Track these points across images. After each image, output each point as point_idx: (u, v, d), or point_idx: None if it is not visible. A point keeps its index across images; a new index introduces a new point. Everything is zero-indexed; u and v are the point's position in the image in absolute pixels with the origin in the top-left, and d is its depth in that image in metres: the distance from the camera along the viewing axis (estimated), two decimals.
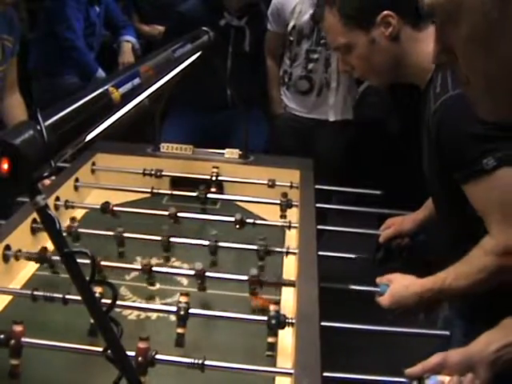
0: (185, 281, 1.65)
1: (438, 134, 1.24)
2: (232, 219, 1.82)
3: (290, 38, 2.75)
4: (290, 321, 1.27)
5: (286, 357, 1.28)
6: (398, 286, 1.43)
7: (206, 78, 2.32)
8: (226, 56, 2.69)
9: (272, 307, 1.30)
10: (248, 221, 1.80)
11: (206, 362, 1.12)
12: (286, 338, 1.32)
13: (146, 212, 1.91)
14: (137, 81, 1.18)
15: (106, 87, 1.05)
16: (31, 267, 1.63)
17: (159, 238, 1.69)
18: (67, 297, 1.32)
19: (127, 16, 3.43)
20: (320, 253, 1.63)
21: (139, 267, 1.54)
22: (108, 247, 1.72)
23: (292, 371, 1.12)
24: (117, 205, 1.97)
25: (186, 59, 1.63)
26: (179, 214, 1.88)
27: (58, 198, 1.88)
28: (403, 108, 2.84)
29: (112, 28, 3.32)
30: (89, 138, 0.95)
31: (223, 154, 2.28)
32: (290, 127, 2.84)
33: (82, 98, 0.97)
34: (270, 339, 1.29)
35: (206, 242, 1.67)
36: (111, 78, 1.11)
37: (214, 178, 2.14)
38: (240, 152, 2.26)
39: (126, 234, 1.70)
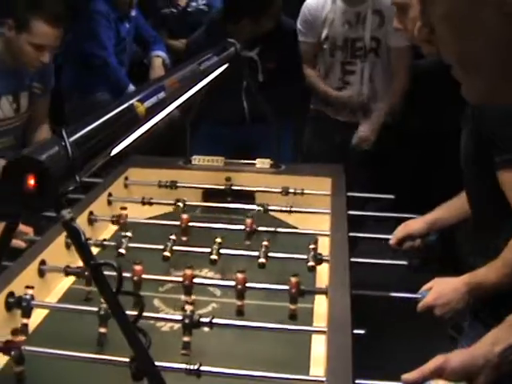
0: (218, 291, 1.66)
1: (482, 117, 1.24)
2: (263, 229, 1.83)
3: (324, 46, 2.75)
4: (322, 329, 1.27)
5: (319, 365, 1.27)
6: (439, 284, 1.43)
7: (226, 93, 2.34)
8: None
9: (187, 307, 1.32)
10: (279, 230, 1.81)
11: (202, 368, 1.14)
12: (320, 346, 1.31)
13: (177, 224, 1.93)
14: (162, 95, 1.20)
15: (130, 102, 1.07)
16: (67, 281, 1.66)
17: (199, 249, 1.71)
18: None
19: (156, 32, 3.48)
20: (353, 259, 1.62)
21: (177, 279, 1.55)
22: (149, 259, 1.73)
23: (324, 379, 1.11)
24: (149, 218, 2.01)
25: (213, 71, 1.65)
26: (210, 225, 1.89)
27: (91, 213, 1.91)
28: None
29: (142, 44, 3.37)
30: (114, 152, 0.97)
31: (254, 164, 2.28)
32: (321, 130, 2.84)
33: (107, 114, 0.99)
34: (186, 338, 1.30)
35: (243, 252, 1.69)
36: (136, 93, 1.13)
37: (232, 187, 2.16)
38: (271, 162, 2.26)
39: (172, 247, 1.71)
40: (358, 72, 2.73)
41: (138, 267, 1.52)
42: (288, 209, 1.99)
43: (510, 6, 0.56)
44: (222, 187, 2.18)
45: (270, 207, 2.06)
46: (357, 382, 1.13)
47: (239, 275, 1.48)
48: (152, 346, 1.32)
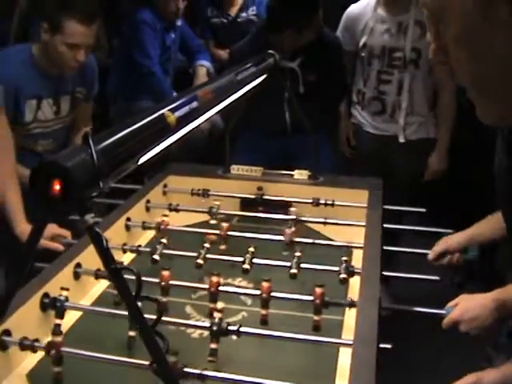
0: (249, 300, 1.67)
1: None
2: (299, 240, 1.83)
3: (362, 54, 2.75)
4: (348, 342, 1.26)
5: (345, 378, 1.27)
6: (466, 300, 1.41)
7: (268, 103, 2.36)
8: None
9: (216, 314, 1.33)
10: (315, 241, 1.82)
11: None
12: (347, 358, 1.31)
13: (214, 232, 1.95)
14: (194, 104, 1.22)
15: (162, 111, 1.09)
16: (102, 284, 1.69)
17: (232, 258, 1.73)
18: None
19: (203, 41, 3.52)
20: (386, 273, 1.61)
21: (203, 286, 1.57)
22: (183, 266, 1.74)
23: None
24: (186, 225, 2.03)
25: (250, 82, 1.66)
26: (248, 235, 1.91)
27: (129, 219, 1.95)
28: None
29: (187, 53, 3.42)
30: (142, 160, 0.99)
31: (292, 175, 2.29)
32: (363, 147, 2.83)
33: (137, 122, 1.01)
34: (213, 345, 1.31)
35: (276, 263, 1.69)
36: (168, 103, 1.15)
37: (262, 197, 2.17)
38: (309, 173, 2.27)
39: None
40: (395, 82, 2.71)
41: (165, 273, 1.55)
42: (323, 220, 1.99)
43: None
44: (258, 196, 2.20)
45: (306, 218, 2.07)
46: None
47: (264, 284, 1.49)
48: (181, 351, 1.35)
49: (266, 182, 2.26)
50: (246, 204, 2.23)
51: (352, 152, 2.99)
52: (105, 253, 0.80)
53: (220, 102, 1.39)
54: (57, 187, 0.79)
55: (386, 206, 2.05)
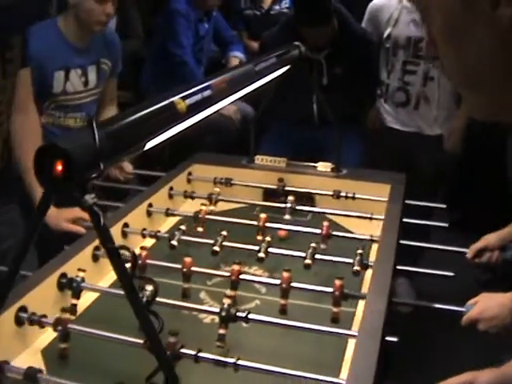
0: (263, 289, 1.69)
1: None
2: (318, 231, 1.84)
3: (386, 45, 2.73)
4: (353, 333, 1.27)
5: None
6: (485, 298, 1.41)
7: (295, 94, 2.36)
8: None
9: (225, 300, 1.33)
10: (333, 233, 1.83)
11: (240, 362, 1.17)
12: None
13: (236, 221, 1.97)
14: (207, 93, 1.24)
15: (172, 99, 1.11)
16: None
17: (248, 246, 1.74)
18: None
19: (237, 32, 3.54)
20: (399, 267, 1.62)
21: (225, 273, 1.60)
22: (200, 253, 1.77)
23: (344, 382, 1.12)
24: (210, 213, 2.06)
25: (271, 73, 1.68)
26: (268, 225, 1.92)
27: (150, 205, 1.99)
28: None
29: (221, 44, 3.45)
30: (149, 146, 1.02)
31: (316, 167, 2.30)
32: (387, 142, 2.81)
33: (146, 108, 1.04)
34: (221, 331, 1.32)
35: (294, 253, 1.71)
36: (180, 90, 1.17)
37: (303, 190, 2.18)
38: (333, 165, 2.27)
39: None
40: (420, 73, 2.68)
41: (188, 259, 1.57)
42: (343, 213, 2.00)
43: (500, 21, 0.55)
44: (281, 187, 2.21)
45: (327, 210, 2.08)
46: None
47: (285, 274, 1.50)
48: (192, 335, 1.38)
49: (289, 173, 2.28)
50: (268, 194, 2.25)
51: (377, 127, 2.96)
52: (102, 232, 0.82)
53: (235, 92, 1.41)
54: (59, 168, 0.82)
55: (408, 201, 2.05)
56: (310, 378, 1.17)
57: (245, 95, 1.51)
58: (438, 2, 0.60)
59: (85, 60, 2.32)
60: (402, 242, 1.76)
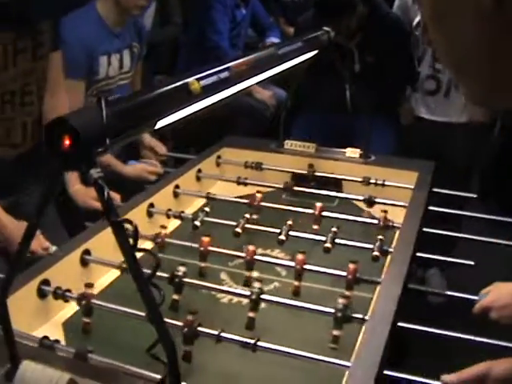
0: (284, 272, 1.70)
1: None
2: (345, 217, 1.85)
3: (416, 32, 2.69)
4: (362, 316, 1.28)
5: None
6: (499, 287, 1.39)
7: (329, 80, 2.35)
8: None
9: (340, 300, 1.31)
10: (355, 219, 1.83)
11: (259, 343, 1.19)
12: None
13: (264, 205, 1.98)
14: (224, 74, 1.25)
15: (187, 79, 1.13)
16: (145, 246, 1.77)
17: (270, 229, 1.76)
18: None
19: (274, 18, 3.54)
20: (419, 254, 1.61)
21: (240, 254, 1.62)
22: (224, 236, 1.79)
23: (349, 364, 1.13)
24: (238, 197, 2.08)
25: (296, 57, 1.68)
26: (295, 209, 1.94)
27: (177, 186, 2.02)
28: None
29: (258, 30, 3.45)
30: (159, 125, 1.04)
31: (344, 152, 2.30)
32: (417, 130, 2.79)
33: (160, 88, 1.06)
34: (335, 332, 1.30)
35: (314, 237, 1.72)
36: (197, 71, 1.19)
37: (331, 176, 2.18)
38: (361, 151, 2.26)
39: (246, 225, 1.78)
40: None
41: (205, 239, 1.60)
42: (367, 198, 1.99)
43: (483, 3, 0.55)
44: (309, 172, 2.21)
45: (353, 196, 2.08)
46: (385, 372, 1.14)
47: (299, 256, 1.52)
48: (209, 314, 1.41)
49: (318, 159, 2.28)
50: (297, 179, 2.26)
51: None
52: (106, 205, 0.85)
53: (256, 75, 1.42)
54: (66, 142, 0.85)
55: (436, 189, 2.03)
56: (314, 359, 1.19)
57: (266, 78, 1.52)
58: None
59: (121, 44, 2.36)
60: (425, 230, 1.75)
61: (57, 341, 1.24)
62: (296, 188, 2.15)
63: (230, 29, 3.23)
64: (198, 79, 1.15)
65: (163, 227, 1.70)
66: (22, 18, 1.73)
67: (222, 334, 1.23)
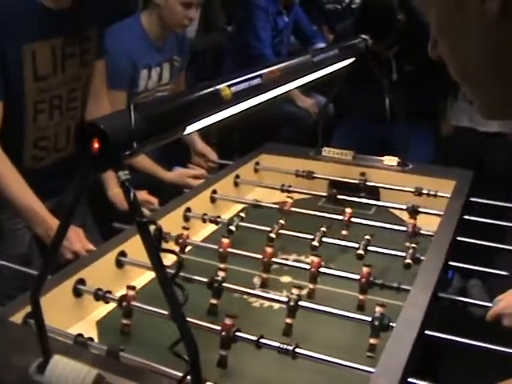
0: (318, 278, 1.71)
1: None
2: (380, 224, 1.85)
3: None
4: (392, 324, 1.28)
5: None
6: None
7: (369, 89, 2.35)
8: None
9: (378, 309, 1.32)
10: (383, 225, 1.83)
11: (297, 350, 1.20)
12: None
13: (301, 211, 2.00)
14: (256, 81, 1.27)
15: (218, 86, 1.16)
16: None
17: (303, 235, 1.77)
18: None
19: (317, 26, 3.56)
20: (451, 263, 1.60)
21: (257, 256, 1.63)
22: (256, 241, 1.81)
23: (373, 370, 1.13)
24: (276, 203, 2.10)
25: (331, 64, 1.69)
26: (329, 215, 1.94)
27: (215, 191, 2.05)
28: None
29: (302, 37, 3.48)
30: (188, 130, 1.07)
31: (382, 160, 2.29)
32: (457, 139, 2.76)
33: (189, 94, 1.09)
34: (372, 340, 1.30)
35: (347, 243, 1.73)
36: (229, 78, 1.21)
37: (366, 183, 2.18)
38: (399, 160, 2.26)
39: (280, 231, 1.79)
40: None
41: (225, 240, 1.62)
42: (410, 207, 1.98)
43: (488, 14, 0.55)
44: (347, 180, 2.21)
45: (390, 204, 2.07)
46: (409, 380, 1.14)
47: (314, 259, 1.53)
48: (240, 317, 1.42)
49: (355, 166, 2.28)
50: (334, 186, 2.26)
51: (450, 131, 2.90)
52: (132, 206, 0.88)
53: (289, 82, 1.44)
54: (95, 145, 0.88)
55: (473, 199, 2.01)
56: (340, 364, 1.19)
57: (300, 86, 1.53)
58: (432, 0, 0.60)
59: (162, 57, 2.42)
60: (459, 239, 1.73)
61: (90, 338, 1.28)
62: (333, 195, 2.15)
63: (272, 36, 3.27)
64: (230, 85, 1.18)
65: (185, 228, 1.73)
66: (71, 24, 1.79)
67: (261, 340, 1.24)
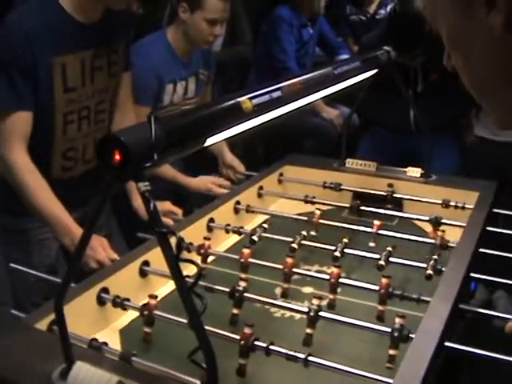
0: (339, 288, 1.72)
1: None
2: (402, 236, 1.85)
3: None
4: (411, 335, 1.28)
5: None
6: None
7: (395, 100, 2.35)
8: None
9: (397, 320, 1.32)
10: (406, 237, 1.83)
11: (310, 358, 1.20)
12: None
13: (325, 223, 2.01)
14: (277, 94, 1.29)
15: (239, 98, 1.18)
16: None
17: (325, 246, 1.78)
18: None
19: (342, 38, 3.58)
20: (473, 275, 1.60)
21: (278, 266, 1.64)
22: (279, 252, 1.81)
23: (392, 381, 1.13)
24: (299, 214, 2.11)
25: (353, 76, 1.70)
26: (355, 227, 1.95)
27: (238, 202, 2.07)
28: None
29: (327, 49, 3.50)
30: (209, 142, 1.09)
31: (405, 172, 2.29)
32: (480, 151, 2.74)
33: (210, 107, 1.12)
34: (391, 351, 1.31)
35: (368, 254, 1.73)
36: (250, 90, 1.23)
37: (393, 195, 2.18)
38: (422, 171, 2.25)
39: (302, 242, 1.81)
40: None
41: (246, 251, 1.64)
42: (433, 218, 1.98)
43: (494, 28, 0.56)
44: (371, 191, 2.22)
45: (413, 215, 2.07)
46: None
47: (334, 269, 1.53)
48: (261, 327, 1.44)
49: (378, 178, 2.28)
50: (357, 198, 2.27)
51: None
52: (152, 216, 0.90)
53: (310, 94, 1.45)
54: (117, 157, 0.91)
55: (497, 210, 2.00)
56: (357, 375, 1.20)
57: (322, 98, 1.55)
58: (442, 12, 0.61)
59: (187, 72, 2.45)
60: (482, 250, 1.72)
61: (105, 343, 1.30)
62: (356, 206, 2.16)
63: (296, 48, 3.29)
64: (251, 98, 1.20)
65: (207, 239, 1.75)
66: (100, 37, 1.84)
67: (271, 347, 1.25)
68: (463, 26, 0.59)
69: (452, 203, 2.06)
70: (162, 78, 2.34)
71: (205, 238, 1.76)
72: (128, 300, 1.47)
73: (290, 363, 1.25)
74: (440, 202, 2.07)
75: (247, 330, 1.28)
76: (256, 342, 1.27)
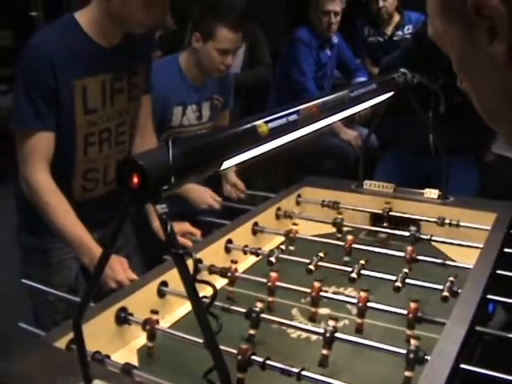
0: (354, 310, 1.72)
1: None
2: (419, 257, 1.85)
3: None
4: (426, 357, 1.28)
5: None
6: None
7: (415, 122, 2.36)
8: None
9: (413, 342, 1.32)
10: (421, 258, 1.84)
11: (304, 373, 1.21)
12: None
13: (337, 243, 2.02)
14: (293, 117, 1.31)
15: (255, 122, 1.20)
16: (221, 281, 1.83)
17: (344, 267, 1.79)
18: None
19: (360, 59, 3.60)
20: (490, 296, 1.59)
21: (305, 290, 1.65)
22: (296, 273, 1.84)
23: None
24: (317, 235, 2.13)
25: (369, 99, 1.72)
26: (370, 249, 1.96)
27: (256, 223, 2.09)
28: None
29: (345, 71, 3.52)
30: (226, 165, 1.11)
31: (423, 193, 2.30)
32: (501, 170, 2.73)
33: (226, 131, 1.14)
34: (407, 373, 1.31)
35: (385, 276, 1.73)
36: (266, 114, 1.26)
37: (410, 216, 2.19)
38: (439, 192, 2.26)
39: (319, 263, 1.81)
40: None
41: (274, 274, 1.66)
42: (444, 240, 1.98)
43: (496, 57, 0.58)
44: (388, 213, 2.23)
45: (430, 237, 2.07)
46: None
47: (362, 294, 1.54)
48: (276, 348, 1.45)
49: (396, 199, 2.29)
50: (375, 219, 2.28)
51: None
52: (169, 237, 0.93)
53: (326, 117, 1.47)
54: (135, 180, 0.93)
55: None
56: None
57: (337, 120, 1.57)
58: (450, 40, 0.63)
59: (200, 96, 2.49)
60: (499, 272, 1.72)
61: (107, 356, 1.32)
62: (374, 228, 2.18)
63: (315, 70, 3.32)
64: (267, 122, 1.22)
65: (234, 262, 1.76)
66: (120, 60, 1.88)
67: (267, 362, 1.26)
68: (469, 53, 0.61)
69: (464, 224, 2.06)
70: (166, 100, 2.38)
71: (232, 262, 1.77)
72: (126, 312, 1.50)
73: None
74: (455, 223, 2.07)
75: (244, 346, 1.29)
76: (253, 357, 1.28)
